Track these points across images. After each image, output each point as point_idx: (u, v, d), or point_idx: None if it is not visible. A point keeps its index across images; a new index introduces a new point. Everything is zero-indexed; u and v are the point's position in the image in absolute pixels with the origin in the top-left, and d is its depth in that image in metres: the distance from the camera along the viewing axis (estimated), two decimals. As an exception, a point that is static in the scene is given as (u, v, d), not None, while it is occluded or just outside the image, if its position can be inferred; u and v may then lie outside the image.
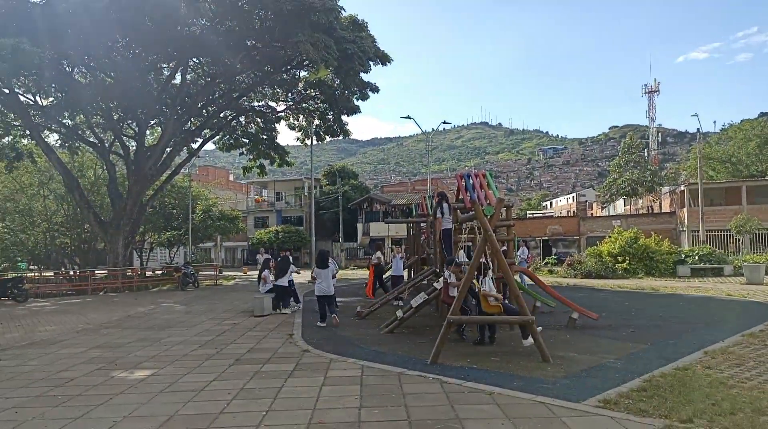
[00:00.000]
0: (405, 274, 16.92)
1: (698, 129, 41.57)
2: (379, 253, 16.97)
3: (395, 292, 13.93)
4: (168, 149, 26.80)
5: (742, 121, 58.09)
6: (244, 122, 30.65)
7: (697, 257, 24.25)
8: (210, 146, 33.17)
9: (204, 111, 28.14)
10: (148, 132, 28.95)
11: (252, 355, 8.63)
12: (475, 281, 8.77)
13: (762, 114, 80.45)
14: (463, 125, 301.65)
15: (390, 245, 43.24)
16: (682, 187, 35.53)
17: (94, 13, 18.87)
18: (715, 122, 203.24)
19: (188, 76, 26.67)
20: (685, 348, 8.20)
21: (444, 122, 40.98)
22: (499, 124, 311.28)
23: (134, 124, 27.59)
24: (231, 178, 70.70)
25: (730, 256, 26.24)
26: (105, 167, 27.41)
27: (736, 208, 31.11)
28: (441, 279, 10.45)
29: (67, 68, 23.23)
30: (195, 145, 29.89)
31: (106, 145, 26.95)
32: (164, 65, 26.13)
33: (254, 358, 8.30)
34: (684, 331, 9.75)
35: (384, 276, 17.78)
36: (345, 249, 48.91)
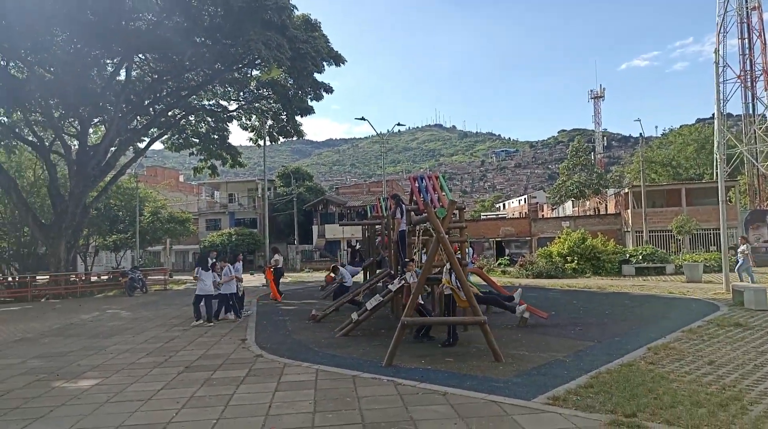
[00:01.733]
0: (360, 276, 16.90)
1: (641, 133, 43.56)
2: (277, 256, 17.19)
3: (350, 295, 13.87)
4: (112, 148, 25.79)
5: (681, 126, 61.34)
6: (194, 121, 29.87)
7: (641, 257, 25.30)
8: (158, 146, 32.15)
9: (151, 109, 27.23)
10: (91, 130, 27.74)
11: (203, 361, 8.39)
12: (445, 279, 8.89)
13: (699, 120, 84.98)
14: (417, 127, 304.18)
15: (345, 248, 43.14)
16: (626, 190, 36.98)
17: (31, 4, 17.95)
18: (656, 127, 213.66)
19: (134, 73, 25.72)
20: (630, 345, 8.52)
21: (398, 124, 41.46)
22: (453, 126, 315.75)
23: (76, 122, 26.37)
24: (181, 179, 68.74)
25: (672, 255, 27.50)
26: (45, 167, 26.08)
27: (677, 210, 32.64)
28: (396, 280, 10.49)
29: (1, 62, 22.02)
30: (141, 145, 28.89)
31: (47, 143, 25.65)
32: (108, 61, 25.11)
33: (205, 365, 8.08)
34: (629, 329, 10.14)
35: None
36: (300, 251, 48.41)
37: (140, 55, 25.16)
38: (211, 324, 12.41)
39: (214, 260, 13.90)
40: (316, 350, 8.97)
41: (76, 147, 26.11)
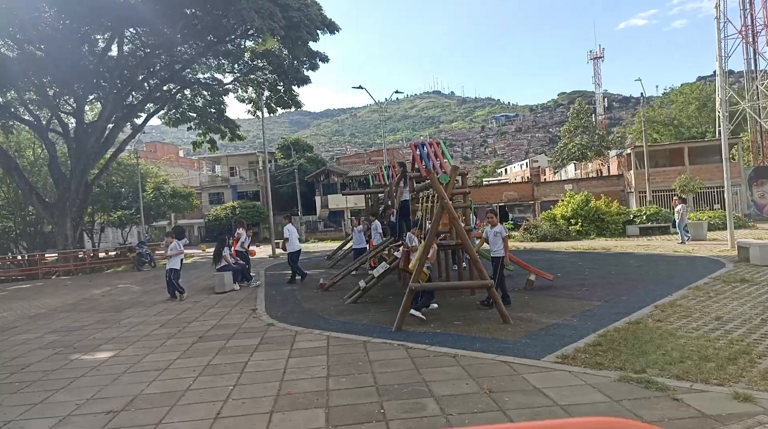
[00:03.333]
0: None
1: (642, 93, 42.99)
2: (240, 230, 15.82)
3: (357, 263, 13.97)
4: (110, 125, 25.60)
5: (682, 85, 60.47)
6: (189, 96, 29.54)
7: (644, 217, 25.32)
8: (156, 121, 32.05)
9: (145, 84, 26.90)
10: (87, 108, 27.50)
11: (215, 331, 8.52)
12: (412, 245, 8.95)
13: (700, 78, 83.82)
14: (416, 95, 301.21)
15: (349, 217, 43.24)
16: (629, 151, 36.75)
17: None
18: (657, 86, 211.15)
19: (125, 48, 25.30)
20: (637, 303, 8.60)
21: (396, 92, 40.81)
22: (452, 92, 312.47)
23: (71, 99, 26.13)
24: (181, 154, 68.52)
25: (675, 214, 27.50)
26: (44, 146, 25.98)
27: (680, 169, 32.48)
28: (401, 247, 10.53)
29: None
30: (139, 121, 28.66)
31: (43, 122, 25.48)
32: (98, 36, 24.67)
33: (218, 335, 8.21)
34: (635, 288, 10.21)
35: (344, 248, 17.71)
36: (304, 222, 48.56)
37: (131, 30, 24.69)
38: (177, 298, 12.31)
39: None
40: (326, 318, 9.08)
41: (74, 125, 25.93)
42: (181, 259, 13.44)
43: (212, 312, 10.45)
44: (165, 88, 27.61)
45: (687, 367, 5.17)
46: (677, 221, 19.52)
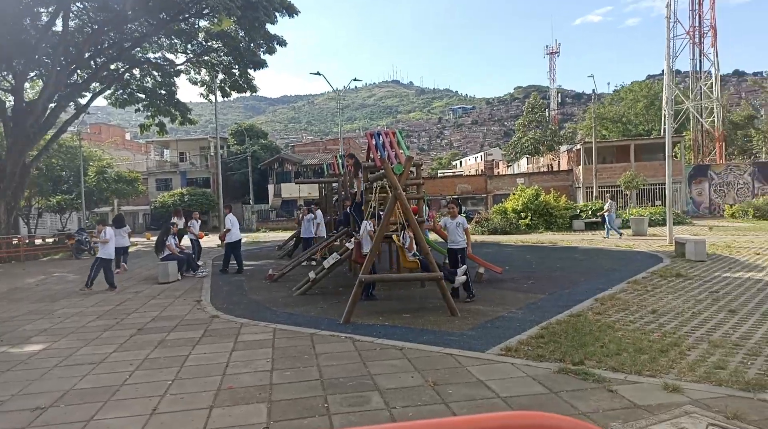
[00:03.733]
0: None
1: (593, 90, 44.30)
2: (174, 219, 15.59)
3: (308, 254, 13.81)
4: (52, 105, 24.23)
5: (632, 83, 62.71)
6: (139, 76, 28.30)
7: (590, 212, 26.17)
8: (102, 102, 30.48)
9: (92, 62, 25.58)
10: (27, 85, 25.95)
11: (156, 323, 8.23)
12: (395, 236, 8.89)
13: (649, 76, 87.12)
14: (375, 83, 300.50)
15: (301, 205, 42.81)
16: (578, 146, 37.87)
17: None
18: (608, 84, 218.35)
19: (71, 23, 23.94)
20: (579, 296, 8.88)
21: (355, 80, 40.34)
22: (411, 82, 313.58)
23: (10, 75, 24.56)
24: (128, 137, 65.85)
25: (620, 210, 28.57)
26: (-23, 124, 24.40)
27: (626, 165, 33.74)
28: (353, 239, 10.46)
29: None
30: (83, 101, 27.28)
31: (-23, 99, 23.91)
32: (42, 10, 23.26)
33: (159, 327, 7.93)
34: (578, 281, 10.54)
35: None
36: (256, 211, 47.71)
37: (78, 4, 23.41)
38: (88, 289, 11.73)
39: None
40: (274, 309, 8.94)
41: (12, 103, 24.43)
42: (125, 249, 12.95)
43: (154, 303, 10.10)
44: (112, 67, 26.33)
45: (623, 359, 5.35)
46: (606, 217, 21.03)
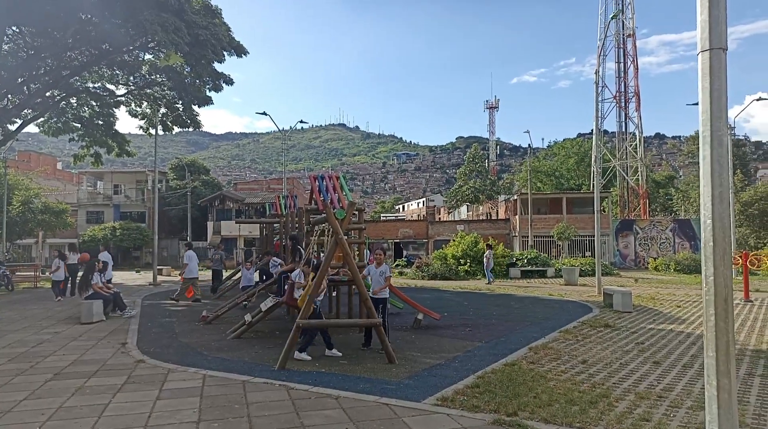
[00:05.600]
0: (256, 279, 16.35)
1: (529, 144, 46.54)
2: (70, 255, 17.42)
3: (245, 295, 13.42)
4: (-23, 129, 22.92)
5: (564, 139, 66.53)
6: (75, 104, 27.29)
7: (526, 260, 27.03)
8: (33, 129, 29.08)
9: (25, 88, 24.48)
10: (-48, 107, 24.42)
11: (75, 368, 7.67)
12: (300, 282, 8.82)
13: (580, 134, 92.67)
14: (321, 125, 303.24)
15: (242, 247, 41.86)
16: (515, 197, 39.38)
17: None
18: (543, 139, 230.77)
19: (5, 47, 22.94)
20: (514, 345, 9.04)
21: (301, 121, 40.73)
22: (357, 126, 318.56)
23: (-67, 96, 23.11)
24: (59, 166, 62.67)
25: (552, 259, 29.69)
26: None
27: (558, 217, 35.30)
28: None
29: None
30: (12, 127, 25.89)
31: None
32: (-26, 31, 22.23)
33: (78, 372, 7.38)
34: (513, 329, 10.75)
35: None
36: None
37: (13, 28, 22.54)
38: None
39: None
40: (205, 354, 8.55)
41: (-68, 125, 22.89)
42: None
43: (74, 345, 9.42)
44: (48, 94, 25.27)
45: (554, 411, 5.45)
46: (485, 265, 23.18)
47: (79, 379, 7.00)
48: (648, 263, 32.84)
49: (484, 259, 23.36)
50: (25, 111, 25.52)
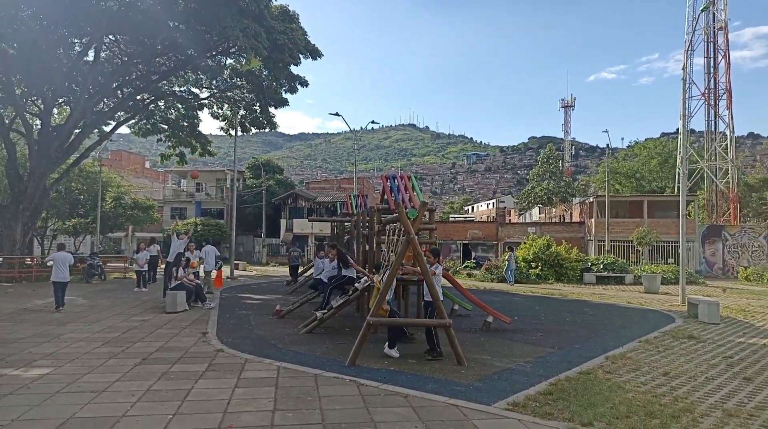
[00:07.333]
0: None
1: (608, 144, 44.60)
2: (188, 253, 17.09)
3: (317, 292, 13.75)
4: (77, 131, 24.92)
5: (646, 139, 63.16)
6: (163, 107, 29.10)
7: (602, 266, 25.89)
8: (125, 130, 31.23)
9: (119, 92, 26.40)
10: (55, 111, 26.76)
11: (161, 354, 8.20)
12: (375, 278, 8.87)
13: (663, 134, 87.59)
14: (391, 126, 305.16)
15: (313, 242, 42.85)
16: (591, 199, 37.83)
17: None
18: (622, 139, 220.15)
19: (103, 54, 24.85)
20: (589, 352, 8.71)
21: (372, 122, 41.23)
22: (427, 127, 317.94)
23: (39, 101, 25.38)
24: (147, 165, 67.05)
25: (631, 265, 28.24)
26: (3, 146, 25.03)
27: (638, 221, 33.54)
28: (362, 279, 10.45)
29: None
30: (107, 128, 28.01)
31: (6, 121, 24.63)
32: (76, 41, 24.22)
33: (163, 358, 7.89)
34: (588, 337, 10.35)
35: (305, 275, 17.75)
36: (267, 244, 47.88)
37: (110, 37, 24.36)
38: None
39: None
40: (279, 346, 8.87)
41: (39, 127, 25.15)
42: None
43: (160, 333, 10.08)
44: (138, 97, 27.16)
45: (633, 423, 5.21)
46: (506, 266, 23.44)
47: (165, 364, 7.47)
48: (738, 272, 30.53)
49: (506, 261, 23.76)
50: (118, 113, 27.53)
